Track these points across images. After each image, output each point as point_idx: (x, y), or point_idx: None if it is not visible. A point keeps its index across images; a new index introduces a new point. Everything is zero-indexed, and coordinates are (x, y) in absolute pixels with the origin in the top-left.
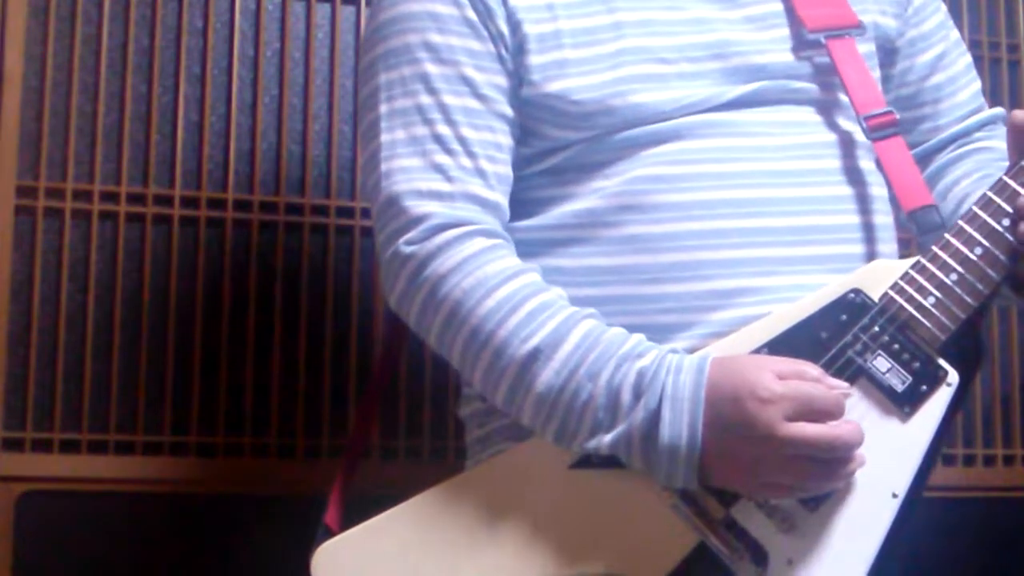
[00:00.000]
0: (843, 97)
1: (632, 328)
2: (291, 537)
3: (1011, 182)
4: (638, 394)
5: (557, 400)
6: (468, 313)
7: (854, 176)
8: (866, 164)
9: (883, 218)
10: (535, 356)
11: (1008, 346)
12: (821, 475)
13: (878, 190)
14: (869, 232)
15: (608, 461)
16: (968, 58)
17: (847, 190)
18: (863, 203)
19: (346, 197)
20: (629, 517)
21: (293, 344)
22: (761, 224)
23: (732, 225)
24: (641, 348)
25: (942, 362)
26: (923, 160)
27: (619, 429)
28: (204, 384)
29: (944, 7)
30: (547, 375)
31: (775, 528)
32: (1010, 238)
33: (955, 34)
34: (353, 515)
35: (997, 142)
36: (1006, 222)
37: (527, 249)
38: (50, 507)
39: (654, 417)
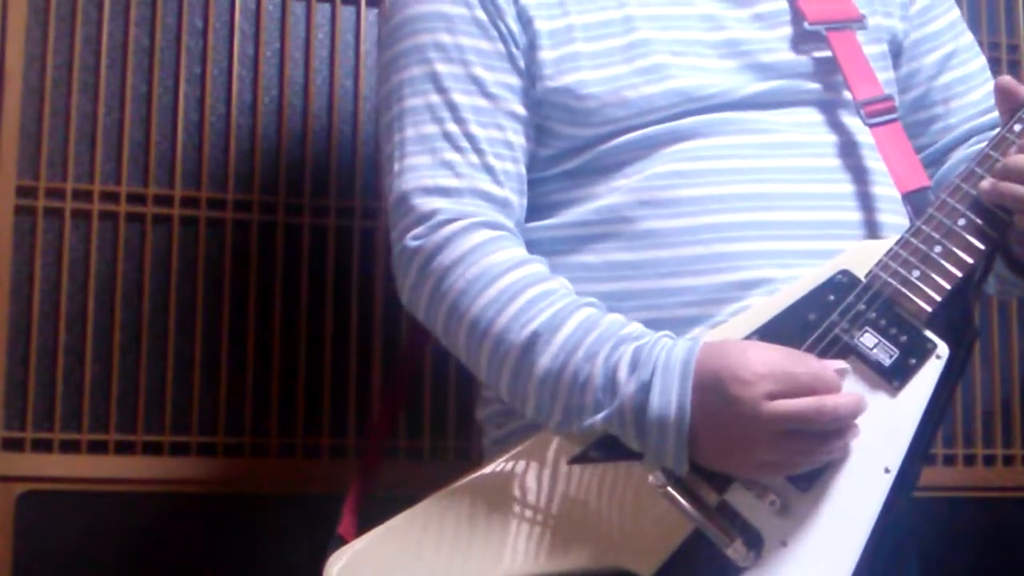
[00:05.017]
0: (848, 95)
1: (652, 322)
2: (291, 537)
3: (992, 152)
4: (633, 369)
5: (557, 383)
6: (470, 303)
7: (861, 174)
8: (874, 164)
9: (889, 216)
10: (534, 340)
11: (1008, 346)
12: (811, 449)
13: (884, 189)
14: (875, 229)
15: (605, 455)
16: (983, 60)
17: (854, 187)
18: (868, 200)
19: (346, 197)
20: (625, 509)
21: (293, 344)
22: (775, 218)
23: (748, 219)
24: (638, 331)
25: (930, 334)
26: (937, 160)
27: (613, 404)
28: (204, 384)
29: (957, 9)
30: (546, 359)
31: (769, 511)
32: (992, 208)
33: (968, 36)
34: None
35: None
36: None
37: (548, 247)
38: (50, 507)
39: (645, 388)
